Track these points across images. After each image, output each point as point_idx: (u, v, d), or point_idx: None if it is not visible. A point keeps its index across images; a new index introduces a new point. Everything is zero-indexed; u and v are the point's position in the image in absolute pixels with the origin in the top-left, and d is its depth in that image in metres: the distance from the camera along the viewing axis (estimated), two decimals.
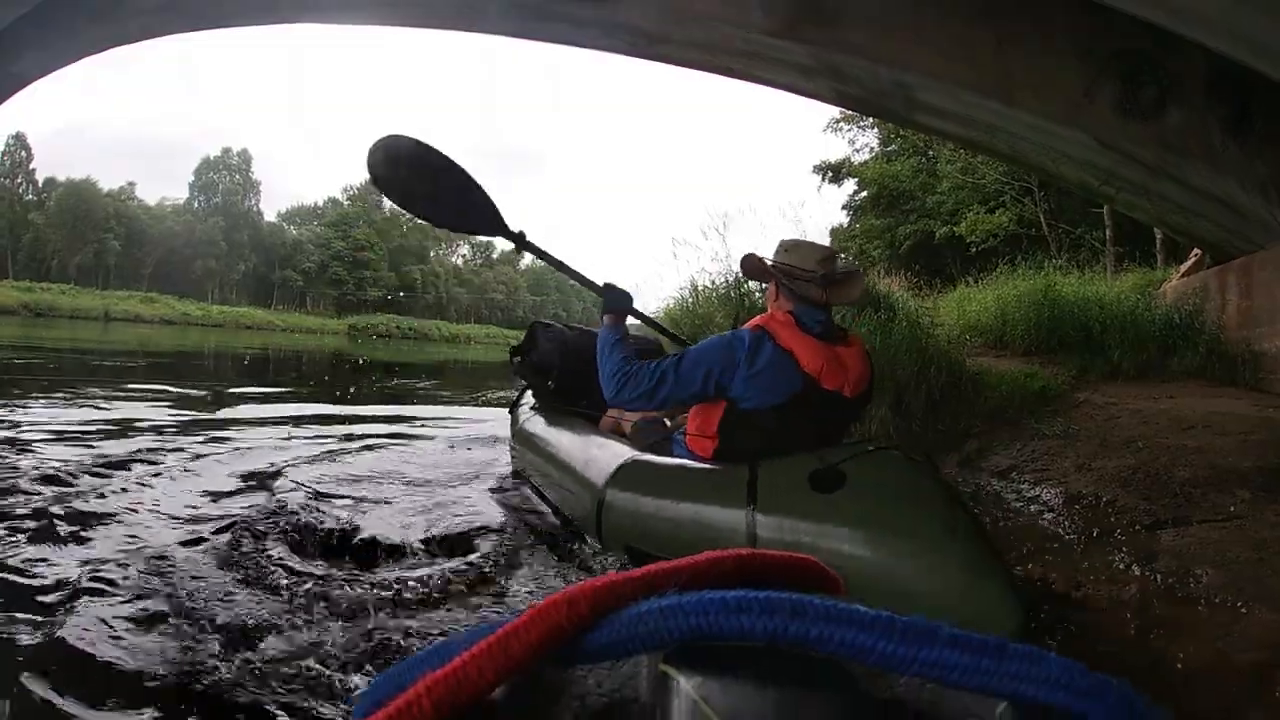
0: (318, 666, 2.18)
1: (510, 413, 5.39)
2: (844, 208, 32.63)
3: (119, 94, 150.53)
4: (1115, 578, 3.48)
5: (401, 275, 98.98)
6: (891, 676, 0.37)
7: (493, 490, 4.54)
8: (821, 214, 33.58)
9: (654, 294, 13.64)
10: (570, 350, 4.87)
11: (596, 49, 10.29)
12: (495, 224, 4.23)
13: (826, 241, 29.20)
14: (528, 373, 5.12)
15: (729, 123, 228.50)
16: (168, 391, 8.74)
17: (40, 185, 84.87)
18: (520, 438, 4.77)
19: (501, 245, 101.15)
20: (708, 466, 3.19)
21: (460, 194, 4.15)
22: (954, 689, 0.36)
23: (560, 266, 4.40)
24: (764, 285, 3.91)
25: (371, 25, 14.30)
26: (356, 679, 2.12)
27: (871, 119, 29.77)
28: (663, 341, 5.15)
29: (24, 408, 6.88)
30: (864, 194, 30.29)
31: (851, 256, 24.90)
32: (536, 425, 4.56)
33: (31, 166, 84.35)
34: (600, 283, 3.84)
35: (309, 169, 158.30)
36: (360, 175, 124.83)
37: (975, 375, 6.95)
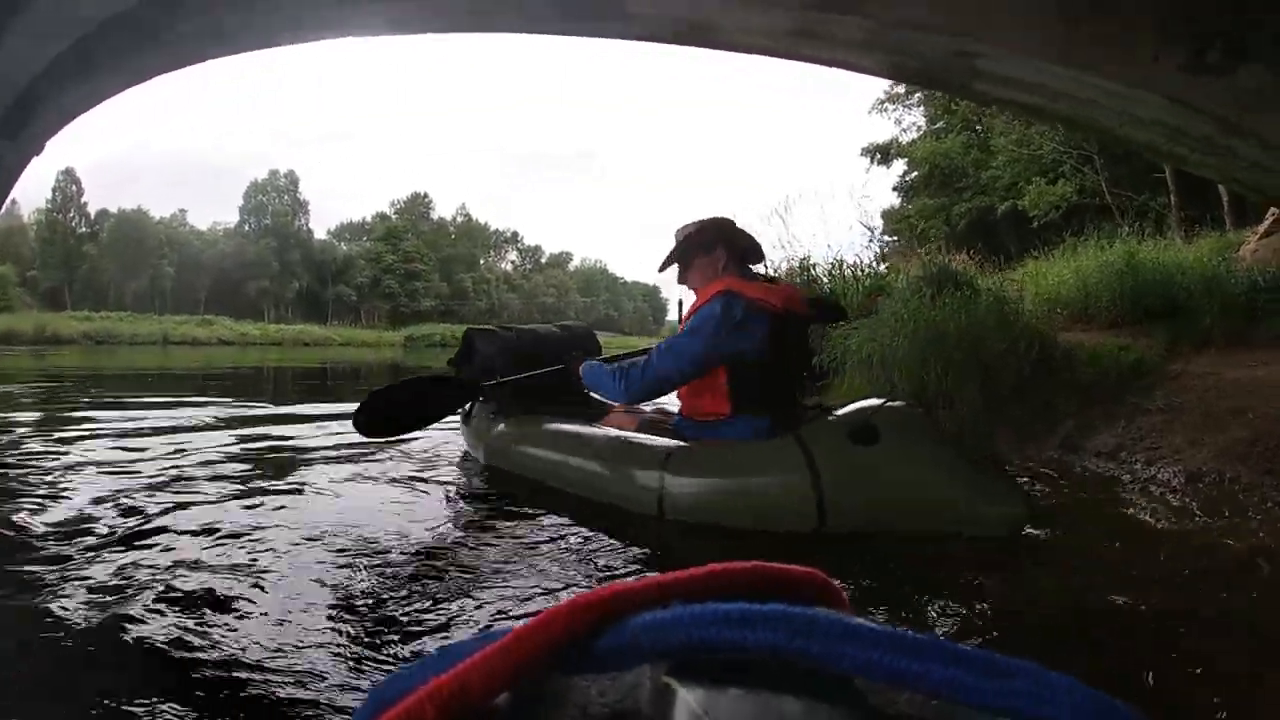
0: (322, 669, 2.18)
1: (464, 423, 5.27)
2: (894, 189, 32.30)
3: (163, 123, 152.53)
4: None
5: (453, 284, 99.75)
6: (896, 692, 0.36)
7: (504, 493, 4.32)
8: (871, 196, 33.01)
9: None
10: (518, 353, 5.00)
11: (637, 39, 10.10)
12: (457, 399, 4.94)
13: (879, 224, 29.16)
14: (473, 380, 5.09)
15: (767, 114, 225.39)
16: (229, 406, 8.64)
17: (93, 217, 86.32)
18: (504, 441, 4.65)
19: (549, 249, 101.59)
20: (756, 444, 3.61)
21: (423, 401, 4.72)
22: (959, 705, 0.35)
23: (526, 379, 4.79)
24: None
25: (410, 34, 14.28)
26: (362, 682, 2.12)
27: (918, 98, 29.57)
28: None
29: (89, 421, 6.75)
30: (914, 174, 29.95)
31: (907, 237, 24.57)
32: (521, 428, 4.59)
33: (83, 200, 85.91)
34: (560, 363, 4.61)
35: (355, 185, 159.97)
36: (406, 188, 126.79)
37: (1067, 351, 6.61)
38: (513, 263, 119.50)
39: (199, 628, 2.39)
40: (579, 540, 3.34)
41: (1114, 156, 19.45)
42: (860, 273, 9.74)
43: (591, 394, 4.89)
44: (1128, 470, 5.02)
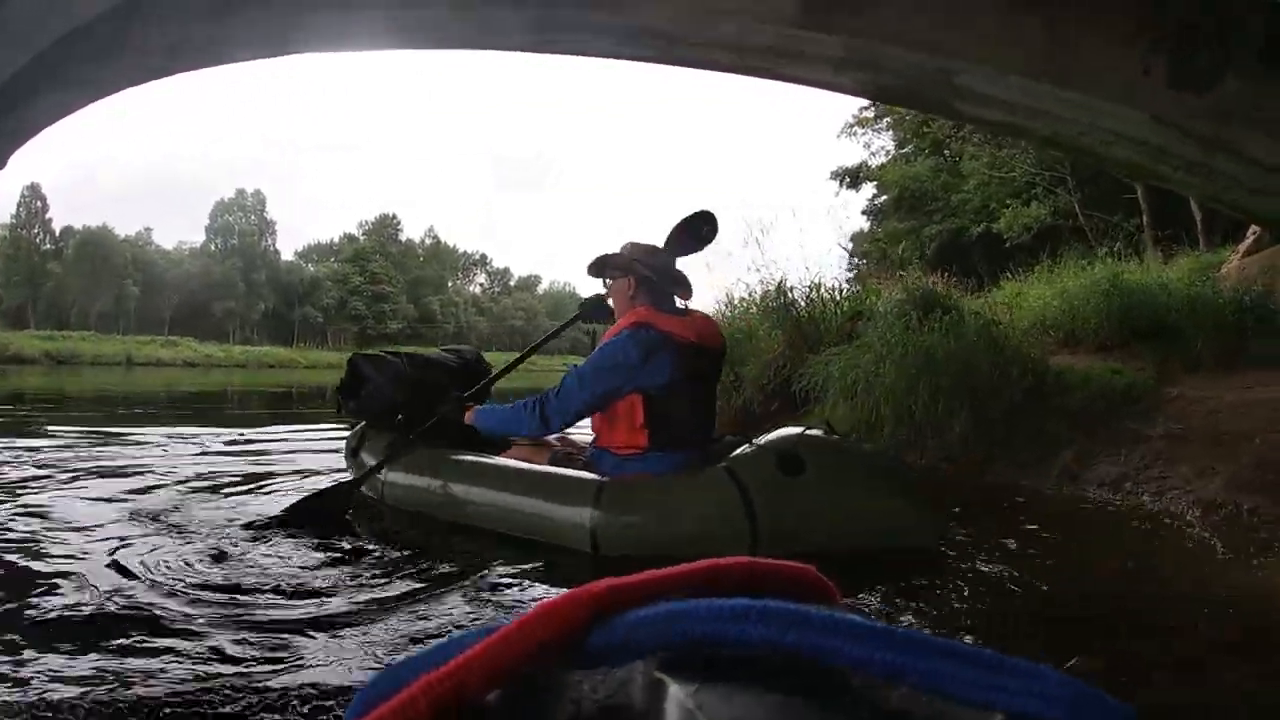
0: (311, 669, 2.27)
1: (351, 457, 4.93)
2: (864, 212, 32.39)
3: (129, 138, 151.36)
4: None
5: (421, 306, 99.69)
6: (888, 687, 0.36)
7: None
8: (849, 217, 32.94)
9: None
10: (415, 382, 4.67)
11: (614, 57, 9.91)
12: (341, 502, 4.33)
13: (849, 247, 29.17)
14: (365, 413, 4.86)
15: (731, 122, 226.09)
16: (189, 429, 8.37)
17: (58, 234, 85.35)
18: (407, 478, 4.38)
19: (518, 272, 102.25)
20: (688, 476, 3.71)
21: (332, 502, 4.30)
22: (950, 701, 0.35)
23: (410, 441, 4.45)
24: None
25: (385, 50, 14.00)
26: (351, 680, 2.20)
27: (886, 122, 29.71)
28: None
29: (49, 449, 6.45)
30: (884, 197, 30.05)
31: (877, 260, 24.52)
32: (432, 464, 4.30)
33: (48, 216, 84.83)
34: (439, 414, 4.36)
35: (323, 206, 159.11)
36: (374, 209, 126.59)
37: (1057, 375, 6.38)
38: (481, 285, 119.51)
39: (186, 639, 2.49)
40: (517, 578, 3.33)
41: (1086, 177, 19.53)
42: (839, 296, 9.50)
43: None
44: (1134, 502, 4.81)
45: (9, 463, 5.94)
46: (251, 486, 4.95)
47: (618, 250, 4.12)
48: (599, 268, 4.13)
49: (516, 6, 7.83)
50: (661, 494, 3.66)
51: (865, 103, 29.37)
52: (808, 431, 3.80)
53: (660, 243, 4.13)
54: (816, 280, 9.86)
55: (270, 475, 5.52)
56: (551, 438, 4.41)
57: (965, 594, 3.16)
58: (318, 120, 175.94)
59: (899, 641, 0.36)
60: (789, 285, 9.55)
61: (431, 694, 0.36)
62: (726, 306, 10.78)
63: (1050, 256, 12.27)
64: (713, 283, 13.30)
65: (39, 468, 5.73)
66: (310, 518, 4.07)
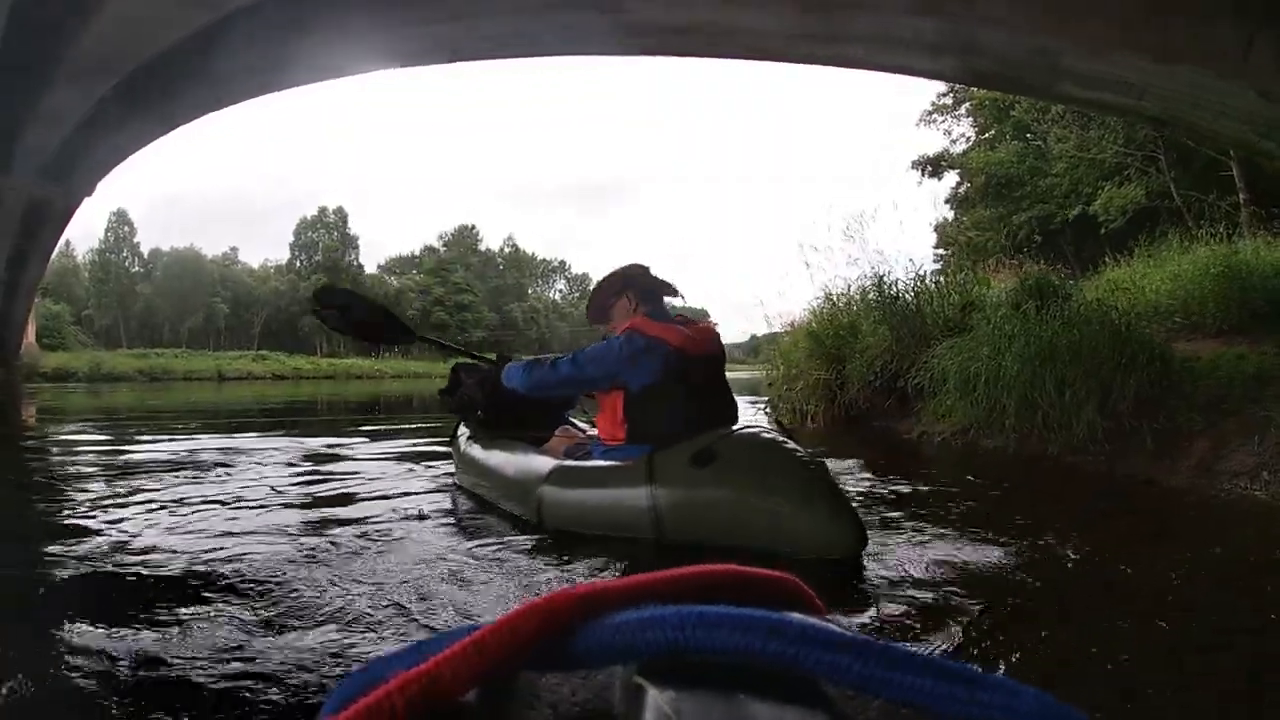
0: (287, 664, 2.29)
1: (450, 442, 5.87)
2: (946, 201, 31.76)
3: (212, 162, 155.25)
4: None
5: (503, 314, 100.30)
6: (866, 699, 0.37)
7: (446, 503, 4.96)
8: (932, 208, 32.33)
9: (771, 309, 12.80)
10: (493, 385, 5.28)
11: (707, 56, 9.90)
12: (401, 332, 5.72)
13: (934, 238, 28.72)
14: (458, 408, 5.75)
15: (803, 124, 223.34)
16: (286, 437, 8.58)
17: (145, 256, 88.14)
18: (464, 460, 5.31)
19: (595, 277, 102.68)
20: (616, 462, 4.02)
21: (376, 318, 5.50)
22: (924, 715, 0.36)
23: (443, 347, 6.16)
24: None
25: (420, 65, 14.22)
26: (327, 677, 2.22)
27: (966, 108, 29.17)
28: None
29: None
30: (967, 186, 29.44)
31: (961, 250, 24.07)
32: (477, 450, 5.15)
33: (135, 240, 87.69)
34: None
35: (403, 219, 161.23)
36: (452, 221, 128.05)
37: (1183, 363, 6.17)
38: (560, 291, 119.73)
39: (174, 633, 2.55)
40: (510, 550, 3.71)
41: (1179, 156, 18.91)
42: (947, 287, 9.25)
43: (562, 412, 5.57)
44: (1275, 490, 4.65)
45: (123, 465, 6.33)
46: (334, 493, 5.38)
47: (605, 281, 4.55)
48: (599, 311, 4.55)
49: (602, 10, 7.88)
50: (591, 477, 4.08)
51: (943, 89, 29.00)
52: (748, 428, 3.92)
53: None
54: (921, 272, 9.67)
55: (353, 481, 5.93)
56: (580, 432, 5.28)
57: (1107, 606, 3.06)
58: (395, 137, 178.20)
59: (878, 653, 0.36)
60: (894, 278, 9.37)
61: (408, 692, 0.36)
62: (825, 302, 10.63)
63: (1147, 239, 11.91)
64: (811, 278, 13.18)
65: (142, 473, 6.05)
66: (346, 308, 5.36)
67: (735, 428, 3.91)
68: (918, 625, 2.63)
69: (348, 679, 0.42)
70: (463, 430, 5.66)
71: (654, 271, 4.44)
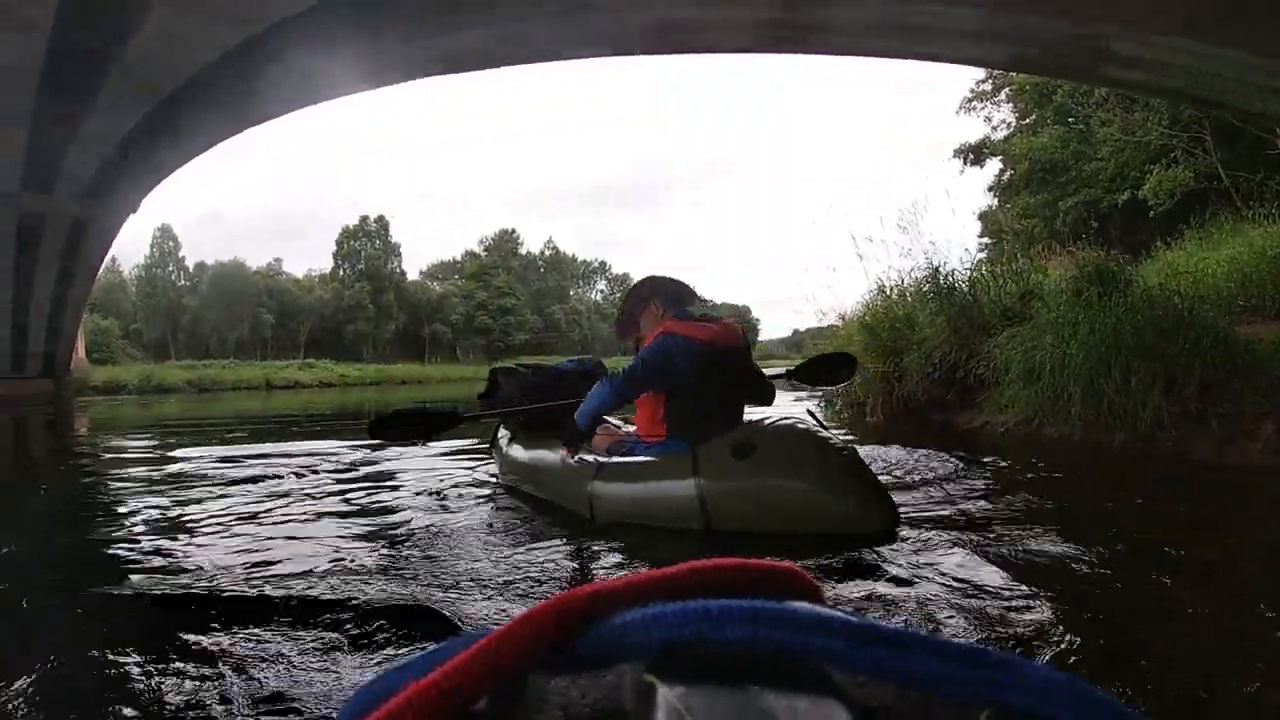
0: (301, 670, 2.33)
1: (492, 444, 6.20)
2: (989, 189, 31.44)
3: (252, 176, 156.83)
4: None
5: (545, 316, 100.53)
6: (875, 684, 0.38)
7: (498, 503, 5.16)
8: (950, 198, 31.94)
9: (827, 302, 12.72)
10: (530, 389, 5.70)
11: (740, 51, 9.94)
12: (445, 422, 5.63)
13: (978, 227, 28.45)
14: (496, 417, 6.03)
15: (845, 116, 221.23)
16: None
17: (191, 270, 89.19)
18: (509, 460, 5.54)
19: (636, 276, 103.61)
20: (660, 458, 4.27)
21: (421, 420, 5.58)
22: (935, 696, 0.36)
23: (511, 412, 5.79)
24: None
25: (443, 75, 14.36)
26: (342, 685, 2.24)
27: (1005, 94, 28.89)
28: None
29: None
30: (1010, 172, 29.13)
31: (1011, 238, 23.89)
32: (520, 450, 5.43)
33: (180, 254, 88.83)
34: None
35: (444, 225, 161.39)
36: (494, 226, 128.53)
37: (1247, 347, 6.16)
38: (602, 293, 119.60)
39: (203, 635, 2.61)
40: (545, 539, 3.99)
41: (1225, 137, 18.62)
42: (1005, 275, 9.23)
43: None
44: None
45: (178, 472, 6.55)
46: (386, 496, 5.54)
47: (631, 293, 4.94)
48: (629, 323, 4.89)
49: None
50: (638, 472, 4.32)
51: (981, 75, 28.77)
52: (779, 421, 4.18)
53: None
54: (977, 260, 9.65)
55: (403, 484, 6.05)
56: (624, 430, 5.42)
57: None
58: (433, 145, 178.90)
59: (885, 638, 0.36)
60: (949, 268, 9.34)
61: (419, 702, 0.37)
62: (879, 295, 10.66)
63: (1197, 221, 11.79)
64: (865, 271, 13.18)
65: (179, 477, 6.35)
66: (398, 426, 5.51)
67: (770, 420, 4.19)
68: (962, 612, 2.64)
69: (360, 691, 0.43)
70: (503, 432, 5.99)
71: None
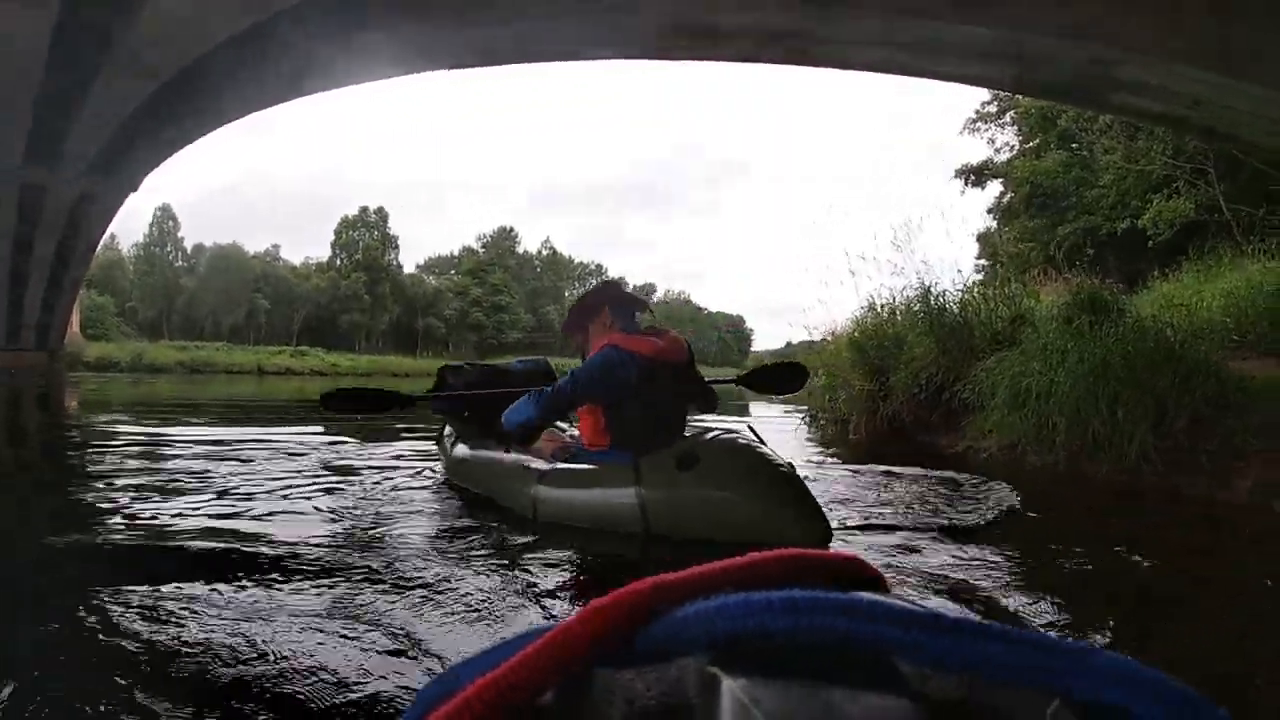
0: (363, 670, 2.32)
1: (438, 443, 6.32)
2: (989, 211, 31.45)
3: (257, 160, 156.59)
4: None
5: (539, 316, 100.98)
6: (941, 674, 0.36)
7: (441, 498, 5.35)
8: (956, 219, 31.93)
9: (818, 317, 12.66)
10: (477, 387, 5.91)
11: (745, 61, 9.87)
12: (394, 401, 5.82)
13: (976, 248, 28.43)
14: (445, 410, 6.19)
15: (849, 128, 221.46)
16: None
17: (189, 251, 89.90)
18: (454, 460, 5.69)
19: (632, 281, 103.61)
20: (603, 464, 4.45)
21: (368, 400, 5.87)
22: (1004, 686, 0.35)
23: (468, 399, 5.88)
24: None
25: (477, 67, 14.32)
26: (406, 682, 2.26)
27: (1010, 116, 28.92)
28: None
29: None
30: (1010, 195, 29.15)
31: (1007, 261, 23.81)
32: (466, 450, 5.59)
33: (180, 234, 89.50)
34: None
35: (443, 220, 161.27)
36: (493, 223, 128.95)
37: (1239, 383, 6.04)
38: None
39: (233, 636, 2.54)
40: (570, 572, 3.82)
41: (1228, 169, 18.57)
42: (996, 299, 9.11)
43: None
44: None
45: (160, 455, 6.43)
46: (340, 489, 5.56)
47: (586, 297, 5.15)
48: (579, 315, 5.01)
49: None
50: (582, 477, 4.52)
51: (987, 97, 28.77)
52: (722, 435, 4.34)
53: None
54: (968, 283, 9.56)
55: (358, 478, 6.10)
56: (568, 435, 5.46)
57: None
58: (437, 138, 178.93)
59: (952, 627, 0.36)
60: (940, 289, 9.24)
61: (486, 696, 0.37)
62: (870, 312, 10.54)
63: (1197, 253, 11.72)
64: (856, 287, 13.06)
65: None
66: (348, 403, 5.86)
67: (713, 434, 4.36)
68: None
69: (426, 687, 0.42)
70: (448, 431, 6.12)
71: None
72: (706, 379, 5.35)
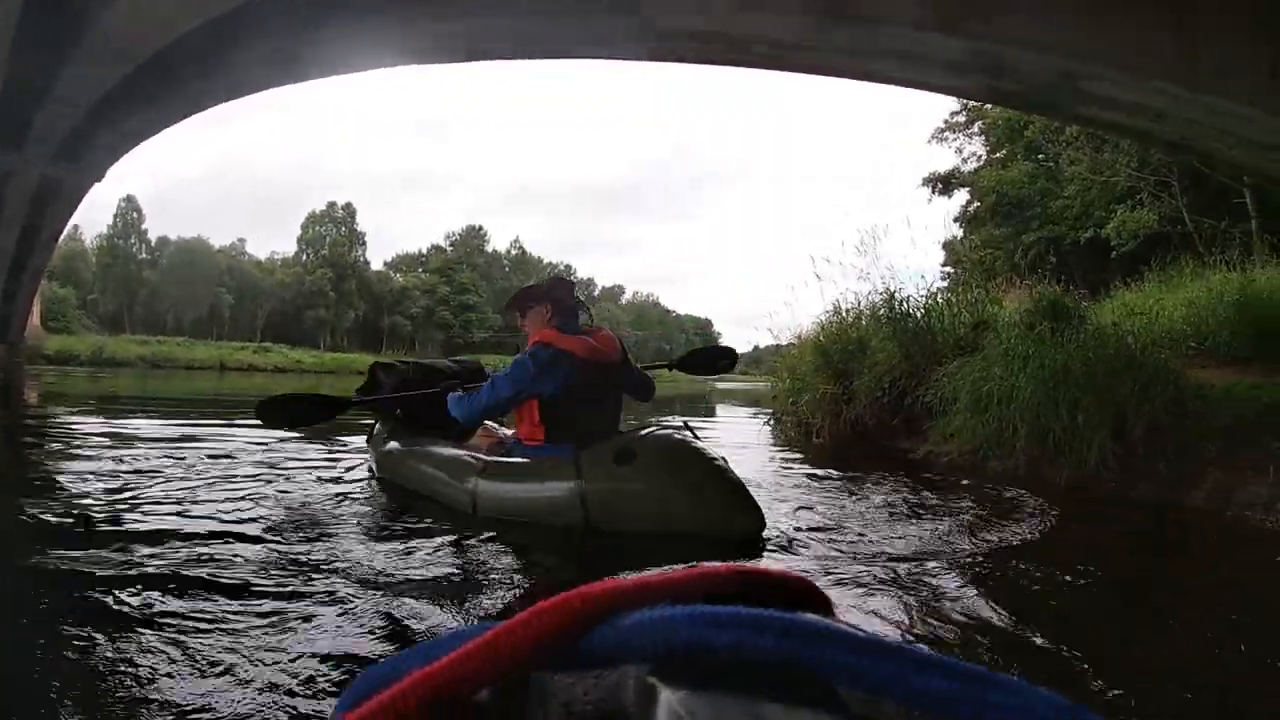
0: (298, 663, 2.33)
1: (368, 441, 6.26)
2: (956, 219, 31.71)
3: (224, 153, 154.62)
4: None
5: (506, 316, 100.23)
6: (879, 700, 0.36)
7: (377, 495, 5.40)
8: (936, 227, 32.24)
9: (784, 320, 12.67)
10: (410, 385, 5.92)
11: (724, 64, 9.88)
12: (330, 408, 5.91)
13: (942, 256, 28.66)
14: (377, 408, 6.13)
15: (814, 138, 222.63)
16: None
17: (153, 244, 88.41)
18: (386, 456, 5.67)
19: (601, 283, 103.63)
20: (543, 458, 4.56)
21: (304, 407, 5.96)
22: (937, 716, 0.35)
23: (393, 398, 5.88)
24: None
25: (430, 64, 14.21)
26: (338, 674, 2.27)
27: (979, 126, 29.19)
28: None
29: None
30: (976, 204, 29.43)
31: (969, 269, 23.99)
32: (400, 447, 5.58)
33: (144, 226, 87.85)
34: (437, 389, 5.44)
35: (413, 218, 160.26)
36: (462, 221, 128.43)
37: (1198, 391, 6.10)
38: None
39: (172, 633, 2.55)
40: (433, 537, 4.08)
41: (1191, 181, 18.86)
42: (960, 304, 9.16)
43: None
44: None
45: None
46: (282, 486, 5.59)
47: (533, 287, 5.24)
48: (524, 298, 5.13)
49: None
50: (522, 472, 4.61)
51: (956, 107, 29.02)
52: (658, 431, 4.55)
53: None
54: (933, 289, 9.60)
55: (301, 473, 6.20)
56: (502, 432, 5.69)
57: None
58: (408, 136, 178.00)
59: (893, 653, 0.36)
60: (904, 294, 9.27)
61: (421, 690, 0.36)
62: (834, 316, 10.52)
63: (1159, 264, 11.87)
64: (821, 291, 13.10)
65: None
66: (283, 414, 5.87)
67: (650, 430, 4.56)
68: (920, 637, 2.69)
69: (362, 676, 0.42)
70: (379, 428, 6.14)
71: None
72: (642, 366, 5.58)
